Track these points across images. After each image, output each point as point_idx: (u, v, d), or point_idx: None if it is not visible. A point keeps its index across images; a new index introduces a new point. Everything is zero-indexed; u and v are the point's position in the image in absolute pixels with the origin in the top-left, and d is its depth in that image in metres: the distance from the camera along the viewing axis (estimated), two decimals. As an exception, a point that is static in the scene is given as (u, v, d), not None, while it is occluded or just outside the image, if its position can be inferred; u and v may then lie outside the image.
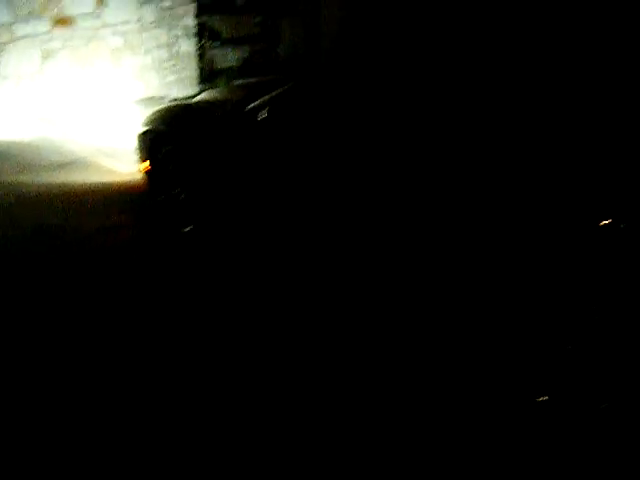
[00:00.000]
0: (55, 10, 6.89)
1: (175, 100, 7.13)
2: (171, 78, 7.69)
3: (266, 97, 3.96)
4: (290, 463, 2.63)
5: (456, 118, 3.22)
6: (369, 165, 3.41)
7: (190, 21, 7.92)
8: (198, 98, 5.03)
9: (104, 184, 5.59)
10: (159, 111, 4.75)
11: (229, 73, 8.35)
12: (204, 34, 8.20)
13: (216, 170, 4.20)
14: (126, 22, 7.39)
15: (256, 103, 3.97)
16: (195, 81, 7.98)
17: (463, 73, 3.35)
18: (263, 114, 3.73)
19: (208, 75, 8.26)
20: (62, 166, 6.02)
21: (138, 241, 4.51)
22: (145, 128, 4.68)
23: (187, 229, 4.43)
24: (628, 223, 2.58)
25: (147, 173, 4.75)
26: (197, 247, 4.34)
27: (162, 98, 7.55)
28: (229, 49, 8.51)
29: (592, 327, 2.63)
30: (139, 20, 7.49)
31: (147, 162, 4.69)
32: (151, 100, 7.40)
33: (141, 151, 4.77)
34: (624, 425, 2.62)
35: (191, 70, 7.94)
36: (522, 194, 2.85)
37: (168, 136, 4.49)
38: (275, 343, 3.36)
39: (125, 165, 5.79)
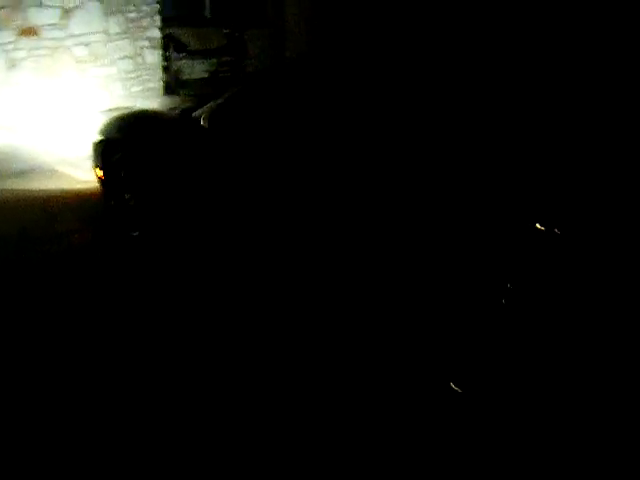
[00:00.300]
0: (19, 20, 6.95)
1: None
2: (136, 89, 7.73)
3: (212, 103, 4.05)
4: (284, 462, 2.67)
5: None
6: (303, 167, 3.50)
7: (156, 33, 7.99)
8: (152, 107, 5.12)
9: (65, 191, 5.68)
10: (112, 119, 4.83)
11: (195, 85, 8.44)
12: (170, 46, 8.30)
13: (161, 176, 4.28)
14: (92, 33, 7.45)
15: (203, 109, 4.06)
16: (161, 92, 8.02)
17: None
18: (204, 119, 3.81)
19: (174, 86, 8.33)
20: (24, 174, 6.09)
21: (92, 247, 4.59)
22: (99, 136, 4.76)
23: (135, 234, 4.53)
24: (563, 230, 2.61)
25: (101, 180, 4.82)
26: (143, 251, 4.45)
27: (127, 108, 7.60)
28: (196, 61, 8.61)
29: (513, 326, 2.67)
30: (105, 31, 7.56)
31: (100, 170, 4.77)
32: (116, 110, 7.44)
33: (96, 159, 4.84)
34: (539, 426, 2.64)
35: (156, 81, 7.99)
36: (460, 192, 2.92)
37: (119, 143, 4.57)
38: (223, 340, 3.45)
39: (86, 173, 5.85)
